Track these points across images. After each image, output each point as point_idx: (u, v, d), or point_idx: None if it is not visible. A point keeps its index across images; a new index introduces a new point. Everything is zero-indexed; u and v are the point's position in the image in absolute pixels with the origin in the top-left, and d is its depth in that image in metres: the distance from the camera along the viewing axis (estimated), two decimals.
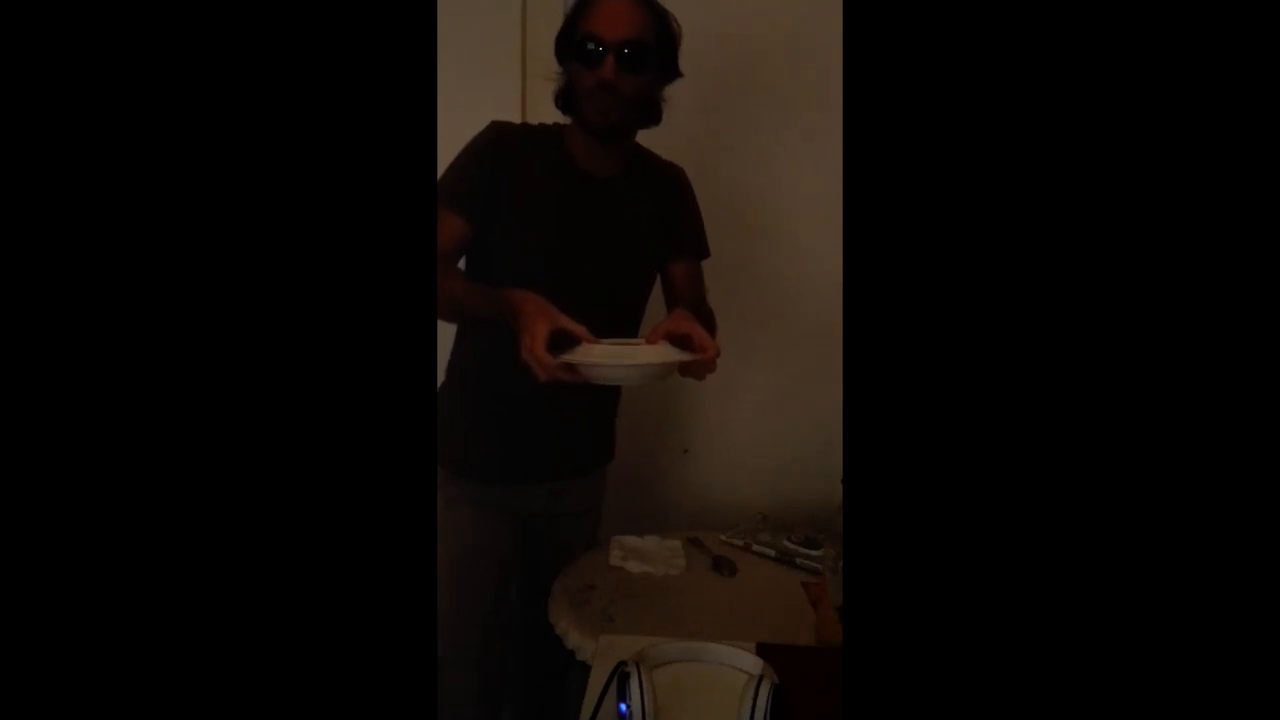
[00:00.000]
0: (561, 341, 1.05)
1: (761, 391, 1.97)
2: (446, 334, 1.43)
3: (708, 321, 1.33)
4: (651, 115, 1.34)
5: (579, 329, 1.06)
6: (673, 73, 1.33)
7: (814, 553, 1.48)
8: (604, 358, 1.06)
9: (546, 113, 1.38)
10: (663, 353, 1.09)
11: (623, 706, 0.93)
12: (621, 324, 1.34)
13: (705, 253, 1.48)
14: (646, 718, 0.91)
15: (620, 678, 0.94)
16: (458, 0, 1.60)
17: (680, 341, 1.10)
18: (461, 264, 1.36)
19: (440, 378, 1.48)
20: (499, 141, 1.32)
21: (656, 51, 1.27)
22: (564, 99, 1.33)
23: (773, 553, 1.50)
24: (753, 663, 1.01)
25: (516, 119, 1.69)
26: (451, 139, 1.32)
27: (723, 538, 1.57)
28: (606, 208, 1.36)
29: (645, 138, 1.41)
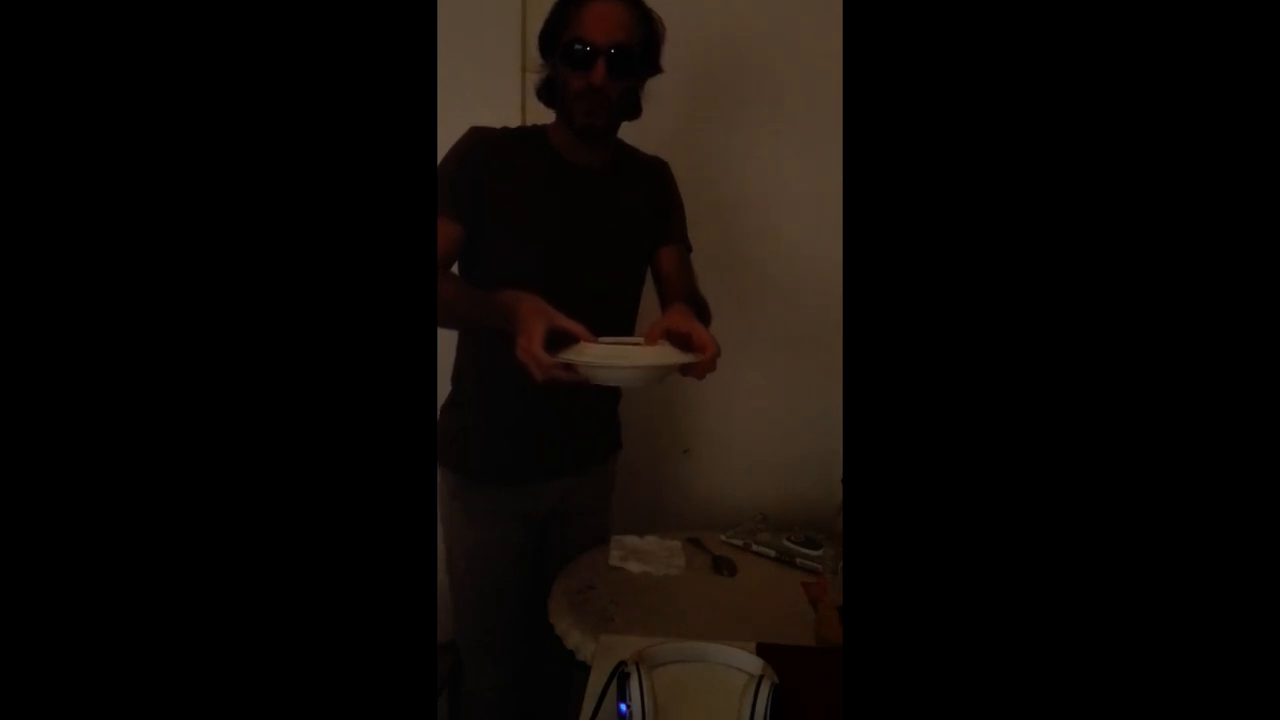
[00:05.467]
0: (559, 340, 1.04)
1: (762, 391, 1.97)
2: (448, 345, 1.44)
3: (702, 310, 1.34)
4: (633, 110, 1.35)
5: (577, 328, 1.04)
6: (655, 69, 1.33)
7: (814, 553, 1.48)
8: (602, 358, 1.04)
9: (547, 113, 1.38)
10: (663, 354, 1.07)
11: (623, 706, 0.93)
12: (617, 318, 1.35)
13: (689, 245, 1.49)
14: (646, 718, 0.91)
15: (620, 678, 0.94)
16: (458, 0, 1.60)
17: (679, 340, 1.09)
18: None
19: (446, 388, 1.49)
20: (482, 145, 1.31)
21: (642, 54, 1.28)
22: (547, 92, 1.34)
23: (773, 553, 1.50)
24: (753, 663, 1.01)
25: (516, 119, 1.70)
26: (452, 139, 1.33)
27: (723, 538, 1.57)
28: (600, 199, 1.36)
29: (638, 135, 1.42)
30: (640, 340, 1.11)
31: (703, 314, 1.33)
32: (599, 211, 1.36)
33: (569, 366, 1.03)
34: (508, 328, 1.07)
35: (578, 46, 1.24)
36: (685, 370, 1.09)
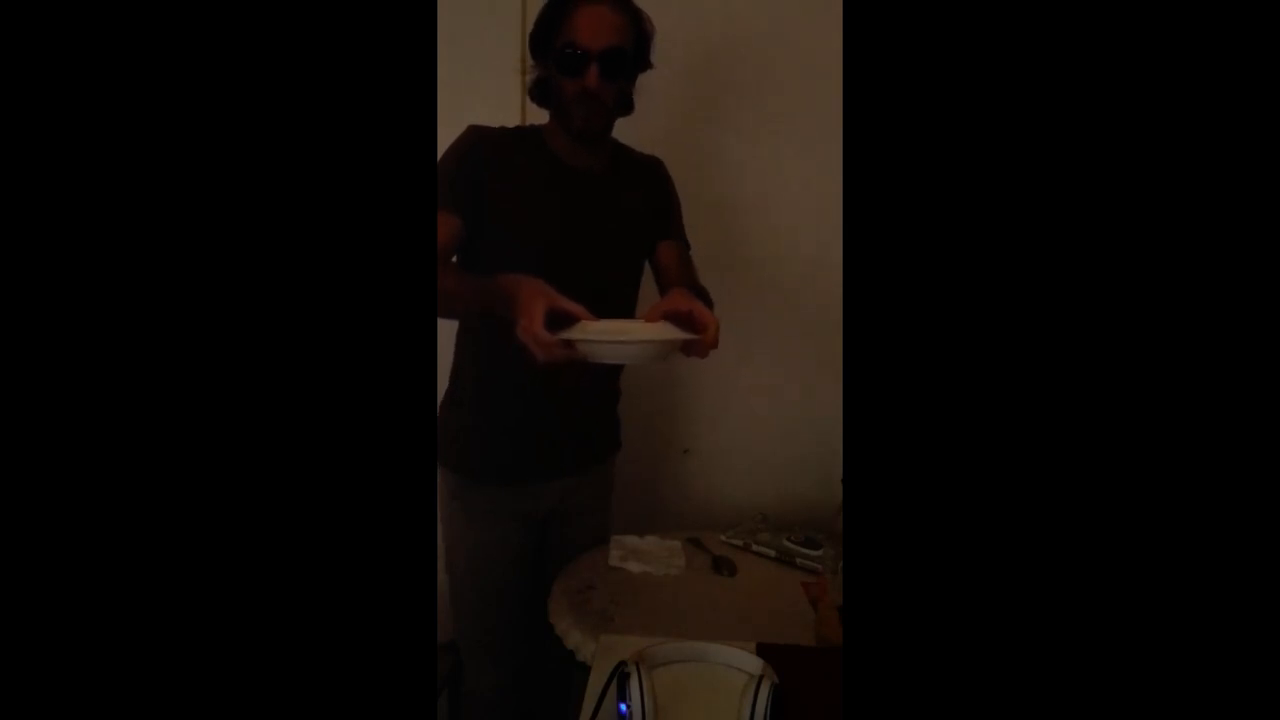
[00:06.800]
0: (559, 322, 1.04)
1: (762, 391, 1.97)
2: (445, 342, 1.44)
3: (704, 300, 1.32)
4: (626, 107, 1.36)
5: (577, 307, 1.04)
6: (646, 66, 1.34)
7: (814, 553, 1.48)
8: (604, 334, 1.04)
9: (545, 113, 1.38)
10: (663, 330, 1.07)
11: (623, 706, 0.93)
12: (617, 315, 1.34)
13: (688, 243, 1.49)
14: (646, 718, 0.91)
15: (620, 678, 0.94)
16: (458, 0, 1.60)
17: (680, 320, 1.09)
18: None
19: (443, 385, 1.49)
20: (481, 144, 1.32)
21: (634, 55, 1.29)
22: (540, 92, 1.34)
23: (773, 553, 1.50)
24: (753, 663, 1.01)
25: (516, 118, 1.70)
26: (451, 139, 1.33)
27: (723, 538, 1.57)
28: (600, 200, 1.37)
29: (638, 135, 1.43)
30: (641, 320, 1.11)
31: (705, 302, 1.31)
32: (599, 212, 1.36)
33: (570, 345, 1.03)
34: (507, 312, 1.07)
35: (570, 51, 1.25)
36: (688, 350, 1.08)
